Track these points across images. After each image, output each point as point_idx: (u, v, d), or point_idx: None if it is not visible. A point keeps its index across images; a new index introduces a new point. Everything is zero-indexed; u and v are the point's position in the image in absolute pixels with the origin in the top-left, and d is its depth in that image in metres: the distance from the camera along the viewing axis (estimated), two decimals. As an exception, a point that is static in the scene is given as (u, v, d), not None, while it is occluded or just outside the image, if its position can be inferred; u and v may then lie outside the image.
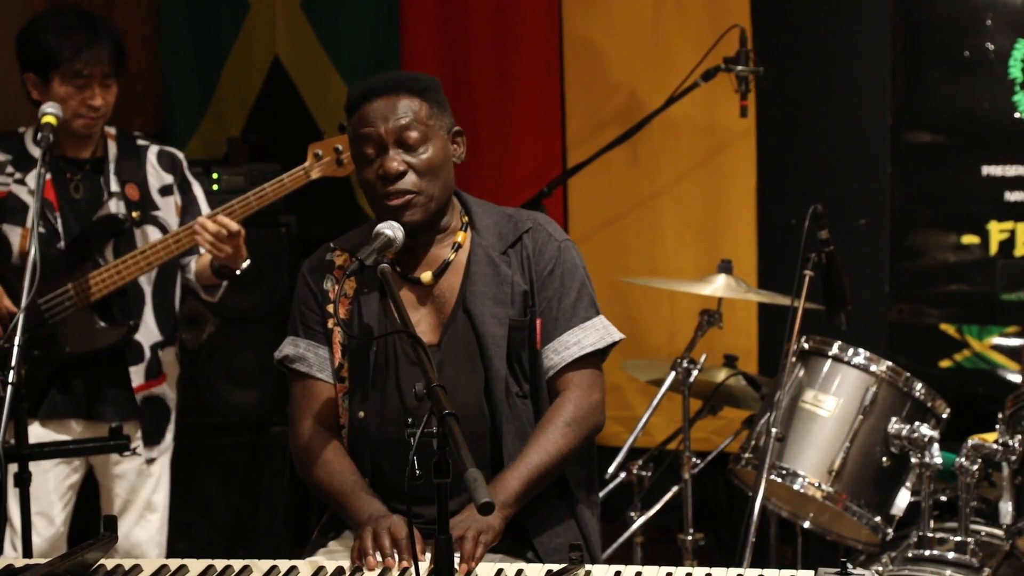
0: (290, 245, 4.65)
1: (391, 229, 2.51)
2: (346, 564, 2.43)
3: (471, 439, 2.07)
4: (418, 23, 5.16)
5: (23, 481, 2.83)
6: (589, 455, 2.75)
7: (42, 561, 2.33)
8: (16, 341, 2.79)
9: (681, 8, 4.81)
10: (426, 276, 2.68)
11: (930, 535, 3.24)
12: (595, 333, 2.68)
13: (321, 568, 2.38)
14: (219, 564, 2.40)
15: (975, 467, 3.20)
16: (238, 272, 3.47)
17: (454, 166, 2.70)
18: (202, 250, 3.48)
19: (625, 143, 4.48)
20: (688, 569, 2.28)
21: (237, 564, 2.40)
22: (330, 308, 2.71)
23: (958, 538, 3.21)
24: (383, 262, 2.43)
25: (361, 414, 2.66)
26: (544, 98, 5.05)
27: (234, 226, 3.34)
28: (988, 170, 4.57)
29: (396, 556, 2.39)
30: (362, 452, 2.68)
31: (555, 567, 2.29)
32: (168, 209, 3.64)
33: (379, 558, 2.38)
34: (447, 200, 2.69)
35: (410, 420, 2.14)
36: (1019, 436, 3.14)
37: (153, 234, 3.55)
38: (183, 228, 3.42)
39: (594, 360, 2.70)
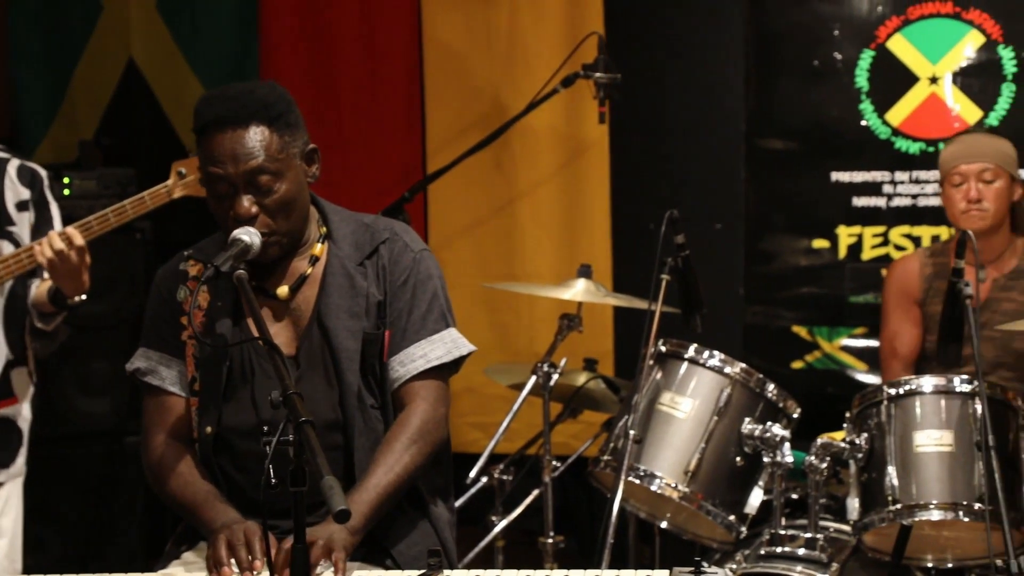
0: (145, 251, 4.57)
1: (247, 235, 2.45)
2: (202, 575, 2.39)
3: (325, 451, 2.05)
4: (278, 26, 5.09)
5: None
6: (445, 461, 2.74)
7: None
8: None
9: (538, 15, 4.85)
10: (282, 291, 2.63)
11: (782, 532, 3.29)
12: (443, 346, 2.65)
13: None
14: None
15: (824, 465, 3.27)
16: (73, 301, 3.31)
17: (310, 182, 2.65)
18: (45, 274, 3.33)
19: (486, 148, 4.46)
20: (548, 572, 2.30)
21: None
22: (184, 320, 2.65)
23: (808, 535, 3.27)
24: (239, 269, 2.39)
25: (208, 429, 2.60)
26: (406, 103, 5.05)
27: (79, 239, 3.20)
28: (837, 176, 4.69)
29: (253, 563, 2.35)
30: (215, 467, 2.63)
31: (414, 573, 2.28)
32: (23, 225, 3.48)
33: (235, 567, 2.34)
34: (303, 223, 2.64)
35: (266, 429, 2.12)
36: (865, 434, 3.22)
37: (7, 249, 3.40)
38: (26, 247, 3.28)
39: (441, 373, 2.66)
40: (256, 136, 2.51)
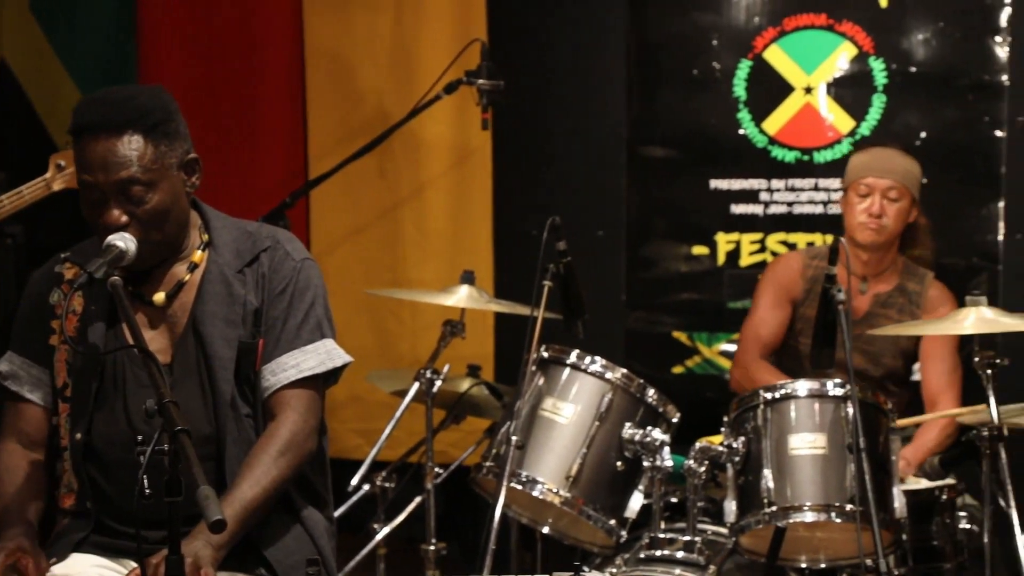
0: (16, 256, 4.46)
1: (123, 241, 2.42)
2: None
3: (199, 460, 2.02)
4: (157, 28, 5.02)
5: None
6: (323, 469, 2.73)
7: None
8: None
9: (422, 21, 4.84)
10: (159, 297, 2.60)
11: (661, 536, 3.30)
12: (316, 357, 2.63)
13: None
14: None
15: (702, 469, 3.30)
16: None
17: (190, 192, 2.61)
18: None
19: (370, 154, 4.46)
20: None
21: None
22: (55, 324, 2.60)
23: (687, 537, 3.28)
24: (114, 275, 2.35)
25: (78, 436, 2.56)
26: (288, 108, 5.01)
27: None
28: (715, 184, 4.75)
29: None
30: (85, 476, 2.58)
31: (293, 582, 2.27)
32: None
33: None
34: (180, 231, 2.60)
35: (140, 438, 2.08)
36: (742, 438, 3.25)
37: None
38: None
39: (314, 384, 2.64)
40: (130, 145, 2.47)
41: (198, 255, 2.63)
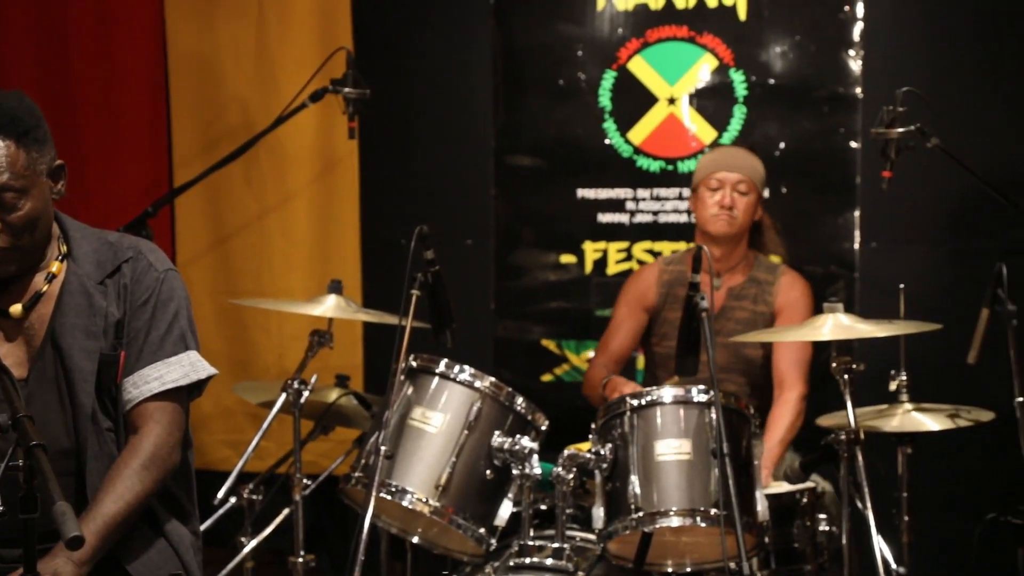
0: None
1: None
2: None
3: (57, 475, 1.98)
4: (9, 30, 4.92)
5: None
6: (188, 482, 2.69)
7: None
8: None
9: (287, 29, 4.81)
10: (15, 309, 2.54)
11: (530, 543, 3.33)
12: (180, 369, 2.59)
13: None
14: None
15: (571, 476, 3.32)
16: None
17: (55, 200, 2.57)
18: None
19: (235, 163, 4.41)
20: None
21: None
22: None
23: (556, 544, 3.31)
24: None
25: None
26: (150, 115, 4.94)
27: None
28: (582, 193, 4.78)
29: None
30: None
31: (155, 599, 2.23)
32: None
33: None
34: (46, 240, 2.56)
35: None
36: (609, 445, 3.29)
37: None
38: None
39: (178, 396, 2.60)
40: (1, 152, 2.42)
41: (56, 266, 2.58)
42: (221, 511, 3.79)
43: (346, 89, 4.24)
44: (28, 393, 2.50)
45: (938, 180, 4.36)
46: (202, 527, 2.76)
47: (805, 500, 3.56)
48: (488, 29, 4.78)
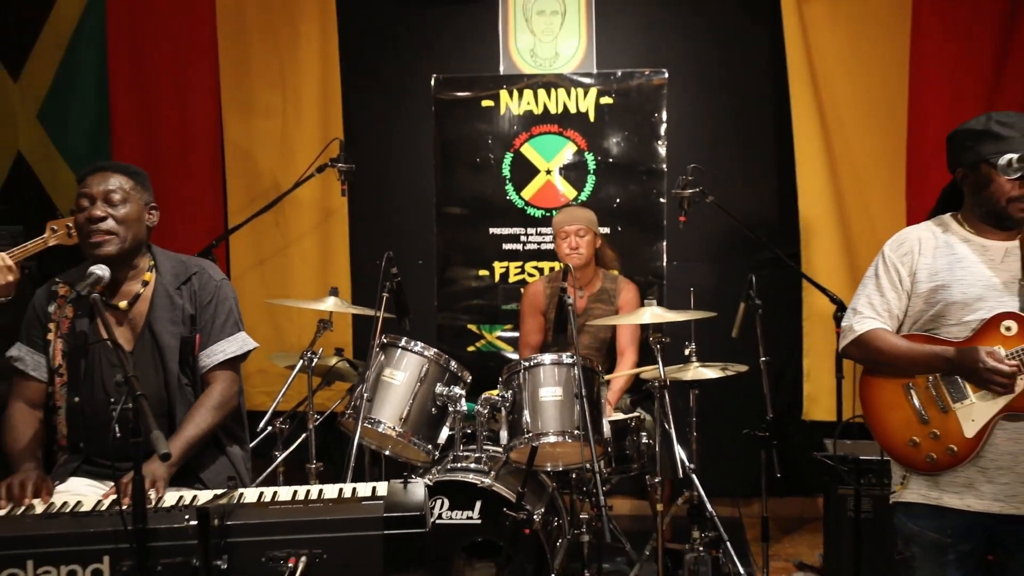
0: (32, 283, 4.19)
1: (100, 270, 2.36)
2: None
3: (155, 416, 1.97)
4: (123, 128, 4.82)
5: None
6: (241, 418, 2.67)
7: None
8: None
9: (301, 126, 4.78)
10: (122, 304, 2.52)
11: (460, 454, 3.36)
12: (235, 344, 2.60)
13: None
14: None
15: (486, 411, 3.36)
16: (2, 302, 3.10)
17: (149, 229, 2.58)
18: None
19: (268, 212, 4.38)
20: (309, 487, 2.26)
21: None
22: (52, 325, 2.52)
23: (477, 455, 3.35)
24: (94, 293, 2.28)
25: (76, 399, 2.47)
26: (211, 181, 4.85)
27: (9, 260, 2.99)
28: (493, 230, 4.79)
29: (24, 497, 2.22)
30: (76, 427, 2.48)
31: (219, 491, 2.21)
32: None
33: (4, 497, 2.22)
34: (138, 246, 2.54)
35: (112, 400, 2.02)
36: (510, 391, 3.30)
37: None
38: None
39: (235, 363, 2.60)
40: (118, 179, 2.50)
41: (148, 276, 2.57)
42: (261, 436, 3.76)
43: (339, 165, 4.24)
44: (134, 361, 2.48)
45: (713, 222, 4.43)
46: (250, 446, 2.76)
47: (633, 424, 3.62)
48: (431, 126, 4.78)
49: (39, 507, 2.17)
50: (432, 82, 4.74)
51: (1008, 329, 2.27)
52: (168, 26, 4.76)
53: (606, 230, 4.59)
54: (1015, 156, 2.22)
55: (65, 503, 2.18)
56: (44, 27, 4.89)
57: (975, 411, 2.29)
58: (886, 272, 2.41)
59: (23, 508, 2.16)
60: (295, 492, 2.20)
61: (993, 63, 4.21)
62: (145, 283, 2.57)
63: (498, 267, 4.80)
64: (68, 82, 4.90)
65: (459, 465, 3.30)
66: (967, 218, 2.40)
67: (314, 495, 2.17)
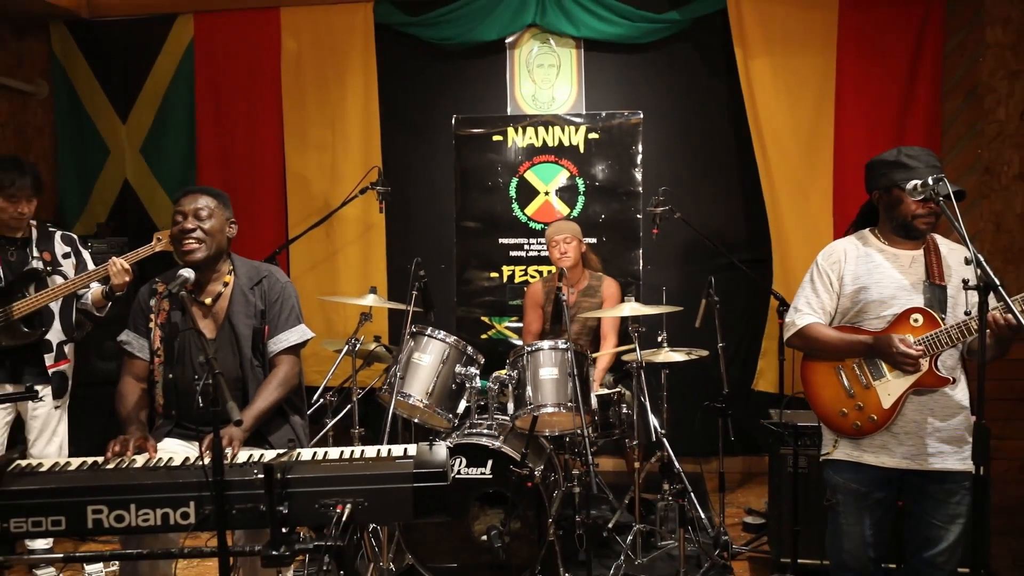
0: (136, 283, 4.25)
1: (187, 272, 2.39)
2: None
3: (231, 391, 2.00)
4: (206, 160, 4.85)
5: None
6: (300, 392, 2.69)
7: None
8: None
9: (348, 154, 4.77)
10: (207, 300, 2.55)
11: (475, 421, 3.36)
12: (296, 334, 2.61)
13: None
14: (88, 459, 2.21)
15: (496, 387, 3.37)
16: (118, 294, 3.21)
17: (230, 239, 2.61)
18: (92, 286, 3.22)
19: (320, 226, 4.41)
20: (353, 448, 2.27)
21: (89, 459, 2.22)
22: (152, 316, 2.55)
23: (489, 422, 3.35)
24: (183, 291, 2.31)
25: (170, 375, 2.50)
26: (275, 203, 4.87)
27: (126, 264, 3.14)
28: (502, 240, 4.79)
29: (126, 450, 2.27)
30: (169, 398, 2.51)
31: (281, 451, 2.24)
32: (68, 267, 3.34)
33: (113, 452, 2.26)
34: (220, 254, 2.56)
35: (196, 376, 2.05)
36: (516, 371, 3.31)
37: (57, 280, 3.26)
38: (93, 270, 3.15)
39: (295, 349, 2.62)
40: (205, 199, 2.53)
41: (228, 278, 2.59)
42: (315, 406, 3.78)
43: (378, 188, 4.25)
44: (215, 347, 2.51)
45: (680, 234, 4.45)
46: (307, 414, 2.78)
47: (615, 398, 3.62)
48: (452, 156, 4.79)
49: (140, 461, 2.20)
50: (452, 121, 4.75)
51: (916, 321, 2.30)
52: (242, 79, 4.79)
53: (592, 240, 4.59)
54: (919, 182, 2.25)
55: (160, 458, 2.21)
56: (146, 81, 4.93)
57: (891, 387, 2.32)
58: (820, 277, 2.44)
59: (128, 461, 2.19)
60: (342, 452, 2.22)
61: (900, 103, 4.26)
62: (226, 284, 2.60)
63: (506, 270, 4.80)
64: (164, 123, 4.94)
65: (474, 431, 3.30)
66: (882, 231, 2.43)
67: (357, 455, 2.18)
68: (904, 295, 2.32)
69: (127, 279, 3.14)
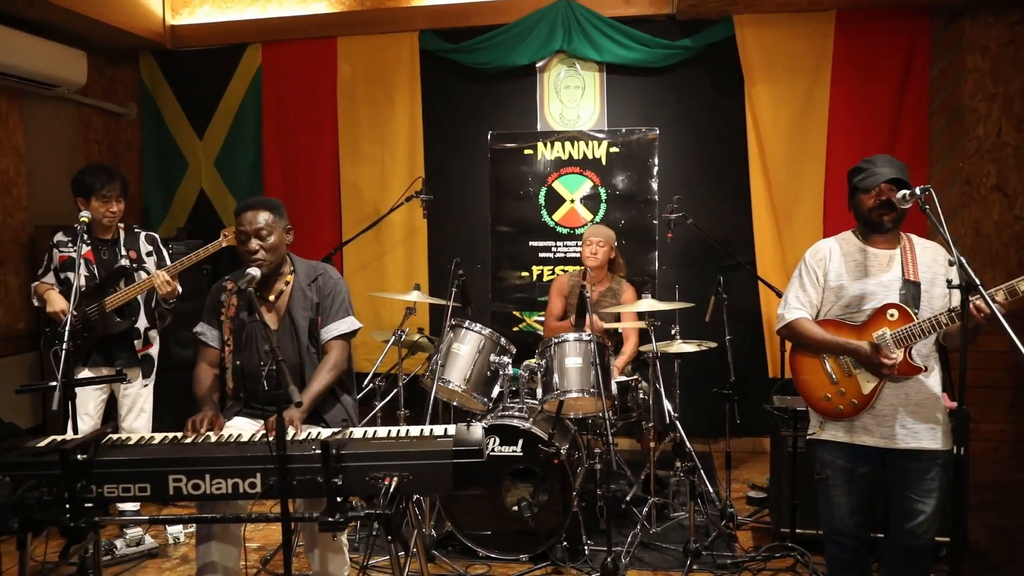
0: (209, 279, 4.37)
1: (254, 271, 2.40)
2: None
3: (291, 375, 2.01)
4: (271, 172, 4.90)
5: (73, 397, 2.64)
6: (351, 376, 2.70)
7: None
8: (67, 328, 2.62)
9: (395, 166, 4.79)
10: (271, 297, 2.57)
11: (507, 405, 3.36)
12: (346, 324, 2.61)
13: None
14: (169, 435, 2.24)
15: (527, 375, 3.36)
16: (169, 304, 3.27)
17: (288, 244, 2.61)
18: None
19: (371, 230, 4.44)
20: (407, 428, 2.26)
21: (170, 434, 2.25)
22: (223, 309, 2.57)
23: (519, 405, 3.34)
24: (250, 288, 2.32)
25: (238, 362, 2.53)
26: (331, 209, 4.90)
27: (169, 275, 3.18)
28: (532, 243, 4.77)
29: (202, 428, 2.29)
30: (238, 382, 2.54)
31: (336, 429, 2.25)
32: (151, 263, 3.41)
33: (190, 429, 2.29)
34: (282, 260, 2.58)
35: (261, 363, 2.06)
36: (544, 360, 3.29)
37: (143, 275, 3.34)
38: (144, 280, 3.24)
39: (346, 337, 2.62)
40: (264, 215, 2.51)
41: (288, 278, 2.61)
42: (365, 390, 3.80)
43: (421, 196, 4.27)
44: (278, 336, 2.53)
45: (692, 238, 4.40)
46: (357, 397, 2.79)
47: (633, 384, 3.59)
48: (487, 168, 4.78)
49: (213, 437, 2.23)
50: (488, 137, 4.74)
51: (892, 315, 2.30)
52: (303, 100, 4.83)
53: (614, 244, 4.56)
54: (869, 179, 2.30)
55: (230, 435, 2.25)
56: (220, 102, 5.00)
57: (870, 375, 2.33)
58: (807, 273, 2.44)
59: (203, 437, 2.22)
60: (389, 431, 2.22)
61: (890, 120, 4.23)
62: (287, 283, 2.62)
63: (535, 270, 4.79)
64: (235, 140, 5.00)
65: (507, 413, 3.31)
66: (860, 232, 2.44)
67: (403, 433, 2.19)
68: (882, 291, 2.32)
69: (169, 289, 3.21)
